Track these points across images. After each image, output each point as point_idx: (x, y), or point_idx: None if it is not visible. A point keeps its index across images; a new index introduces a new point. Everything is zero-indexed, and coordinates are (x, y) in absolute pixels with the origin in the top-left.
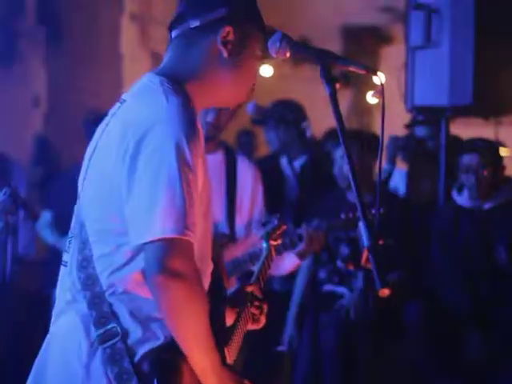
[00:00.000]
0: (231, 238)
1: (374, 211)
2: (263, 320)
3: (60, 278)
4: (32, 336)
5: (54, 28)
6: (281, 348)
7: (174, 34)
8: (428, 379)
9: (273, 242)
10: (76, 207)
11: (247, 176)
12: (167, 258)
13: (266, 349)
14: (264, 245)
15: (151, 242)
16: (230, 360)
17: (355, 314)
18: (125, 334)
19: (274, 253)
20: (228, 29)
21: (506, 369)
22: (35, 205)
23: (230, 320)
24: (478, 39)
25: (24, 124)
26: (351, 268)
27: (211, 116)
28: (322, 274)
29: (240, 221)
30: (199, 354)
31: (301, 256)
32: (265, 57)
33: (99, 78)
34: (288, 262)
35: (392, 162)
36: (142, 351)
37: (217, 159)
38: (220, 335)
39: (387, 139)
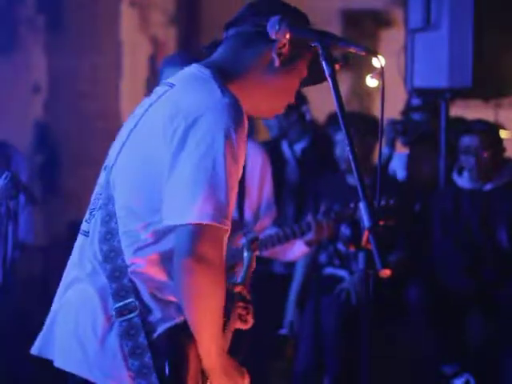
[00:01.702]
0: (240, 222)
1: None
2: (250, 320)
3: (78, 247)
4: (32, 321)
5: (54, 15)
6: (282, 331)
7: (231, 32)
8: (429, 362)
9: (253, 252)
10: (103, 179)
11: (256, 160)
12: (199, 243)
13: (268, 332)
14: (245, 254)
15: (186, 224)
16: None
17: (356, 297)
18: (143, 311)
19: (254, 263)
20: (285, 41)
21: (508, 351)
22: (36, 190)
23: None
24: (478, 21)
25: (24, 111)
26: (352, 249)
27: None
28: (323, 257)
29: (249, 206)
30: (209, 339)
31: (309, 244)
32: (307, 82)
33: (99, 65)
34: (296, 249)
35: (391, 146)
36: (159, 330)
37: None
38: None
39: (386, 123)
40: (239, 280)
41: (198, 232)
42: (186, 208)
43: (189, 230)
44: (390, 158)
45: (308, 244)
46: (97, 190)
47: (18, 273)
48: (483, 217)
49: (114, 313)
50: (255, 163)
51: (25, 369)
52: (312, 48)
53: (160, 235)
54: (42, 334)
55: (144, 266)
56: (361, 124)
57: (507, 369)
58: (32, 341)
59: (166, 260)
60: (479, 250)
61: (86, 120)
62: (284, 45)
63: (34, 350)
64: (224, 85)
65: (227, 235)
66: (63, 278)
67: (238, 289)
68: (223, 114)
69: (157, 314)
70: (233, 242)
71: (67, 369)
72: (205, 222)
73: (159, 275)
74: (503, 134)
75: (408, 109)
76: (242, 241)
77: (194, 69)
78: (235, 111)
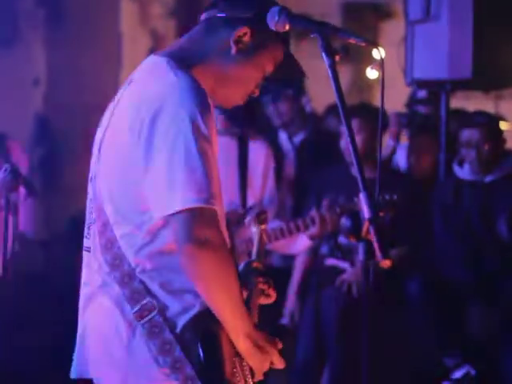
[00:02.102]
0: (244, 215)
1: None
2: (273, 294)
3: (85, 265)
4: (33, 316)
5: (54, 8)
6: (282, 321)
7: (202, 17)
8: (430, 354)
9: (261, 226)
10: (91, 191)
11: (259, 154)
12: (193, 228)
13: (268, 322)
14: (253, 229)
15: (176, 213)
16: None
17: (357, 289)
18: (161, 308)
19: (264, 236)
20: (246, 30)
21: (509, 342)
22: (36, 183)
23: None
24: (478, 13)
25: (24, 104)
26: (353, 240)
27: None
28: (324, 249)
29: (252, 198)
30: (233, 319)
31: (313, 238)
32: (277, 78)
33: (99, 58)
34: (300, 243)
35: (396, 139)
36: (181, 322)
37: (229, 138)
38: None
39: (390, 116)
40: (254, 257)
41: (188, 218)
42: (169, 198)
43: (179, 218)
44: (394, 151)
45: (311, 238)
46: (88, 204)
47: (18, 266)
48: (484, 208)
49: (133, 317)
50: (259, 157)
51: (25, 363)
52: (281, 43)
53: (155, 232)
54: (75, 356)
55: (149, 264)
56: (372, 116)
57: (508, 360)
58: (32, 335)
59: (168, 253)
60: (479, 242)
61: (85, 113)
62: (245, 33)
63: (73, 374)
64: (180, 68)
65: (218, 213)
66: (80, 299)
67: (254, 265)
68: (183, 96)
69: (175, 307)
70: (237, 234)
71: (103, 382)
72: (191, 206)
73: (166, 269)
74: (503, 125)
75: (413, 101)
76: (247, 218)
77: (150, 59)
78: (194, 90)
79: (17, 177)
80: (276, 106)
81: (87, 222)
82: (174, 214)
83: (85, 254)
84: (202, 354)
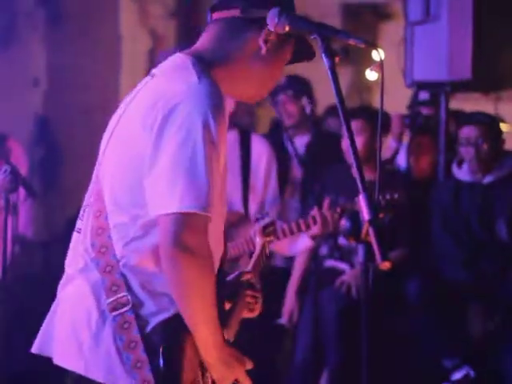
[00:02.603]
0: (245, 216)
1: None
2: (258, 309)
3: (72, 244)
4: (32, 317)
5: (53, 9)
6: (280, 321)
7: (215, 15)
8: (429, 355)
9: (266, 238)
10: (94, 175)
11: (261, 155)
12: (182, 233)
13: (267, 323)
14: (257, 240)
15: (168, 214)
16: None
17: (356, 290)
18: (136, 305)
19: (267, 249)
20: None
21: (508, 344)
22: (36, 184)
23: (227, 305)
24: (477, 14)
25: (23, 105)
26: (352, 242)
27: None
28: (324, 250)
29: (254, 199)
30: (203, 329)
31: (314, 238)
32: (292, 61)
33: (98, 58)
34: (301, 243)
35: (399, 140)
36: (152, 323)
37: (231, 138)
38: (220, 317)
39: (393, 117)
40: (249, 267)
41: (180, 221)
42: (167, 198)
43: (171, 219)
44: (397, 152)
45: (312, 238)
46: (90, 186)
47: (17, 267)
48: (482, 209)
49: (107, 307)
50: (261, 157)
51: (25, 365)
52: (296, 32)
53: (148, 228)
54: (41, 332)
55: (135, 259)
56: (374, 117)
57: (507, 361)
58: (32, 337)
59: (156, 252)
60: (478, 243)
61: (85, 113)
62: (271, 32)
63: (34, 349)
64: (203, 71)
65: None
66: (65, 272)
67: (246, 276)
68: (200, 100)
69: (150, 307)
70: (238, 234)
71: (64, 365)
72: (186, 211)
73: (150, 268)
74: (503, 127)
75: (415, 103)
76: (255, 227)
77: (176, 58)
78: (213, 97)
79: (16, 178)
80: (284, 107)
81: (84, 203)
82: (167, 215)
83: (75, 234)
84: (161, 361)
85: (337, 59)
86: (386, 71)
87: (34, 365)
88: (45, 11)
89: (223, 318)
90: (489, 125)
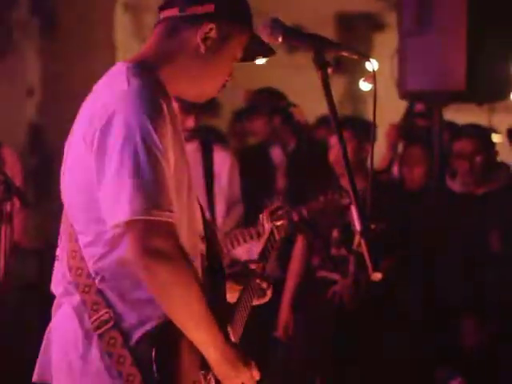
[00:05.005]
0: (212, 223)
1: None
2: (269, 294)
3: (54, 271)
4: (27, 325)
5: (48, 18)
6: (275, 334)
7: (161, 15)
8: (423, 365)
9: (275, 223)
10: (63, 200)
11: (224, 163)
12: (145, 239)
13: (261, 335)
14: (266, 226)
15: (127, 224)
16: (234, 337)
17: (348, 301)
18: (118, 320)
19: (277, 234)
20: (211, 25)
21: (502, 354)
22: (30, 194)
23: (233, 297)
24: (471, 25)
25: (18, 114)
26: (344, 252)
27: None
28: (316, 261)
29: (220, 201)
30: (198, 332)
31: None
32: (245, 59)
33: (93, 68)
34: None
35: (394, 150)
36: (136, 335)
37: (192, 149)
38: (221, 312)
39: (388, 127)
40: (258, 256)
41: (138, 229)
42: (116, 208)
43: (130, 229)
44: (392, 162)
45: None
46: (63, 211)
47: (12, 276)
48: (476, 221)
49: (91, 327)
50: (223, 165)
51: (21, 373)
52: (246, 27)
53: (114, 242)
54: (38, 361)
55: (108, 274)
56: (360, 128)
57: (501, 371)
58: (28, 344)
59: (128, 263)
60: (472, 254)
61: None
62: (210, 30)
63: (34, 378)
64: (139, 74)
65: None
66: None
67: (252, 266)
68: (133, 105)
69: (131, 319)
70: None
71: None
72: (137, 218)
73: (125, 279)
74: (496, 137)
75: (411, 114)
76: (261, 215)
77: (113, 67)
78: (144, 99)
79: (10, 188)
80: (266, 118)
81: (60, 230)
82: (127, 225)
83: (56, 262)
84: (155, 370)
85: (329, 70)
86: (379, 82)
87: (31, 373)
88: (39, 21)
89: (226, 312)
90: (482, 138)
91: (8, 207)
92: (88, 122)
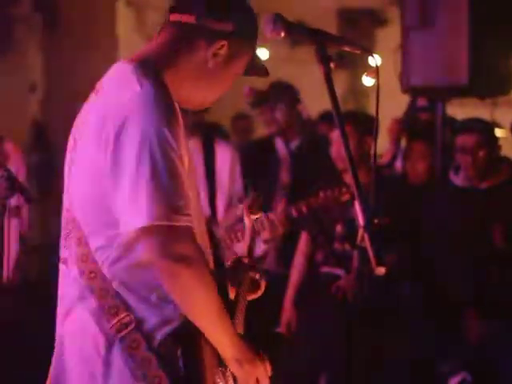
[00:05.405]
0: (213, 219)
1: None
2: (263, 286)
3: (60, 275)
4: (27, 323)
5: (50, 14)
6: (279, 330)
7: (172, 17)
8: (426, 360)
9: (252, 216)
10: (64, 202)
11: (225, 159)
12: (166, 245)
13: (264, 331)
14: (246, 222)
15: (146, 229)
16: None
17: (352, 296)
18: (139, 322)
19: (255, 226)
20: (223, 43)
21: (505, 350)
22: (32, 189)
23: (231, 293)
24: (473, 19)
25: (20, 110)
26: (347, 248)
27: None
28: (319, 256)
29: (221, 198)
30: (216, 332)
31: (266, 242)
32: (246, 73)
33: (95, 65)
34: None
35: (397, 145)
36: (159, 337)
37: (194, 145)
38: (228, 310)
39: (391, 122)
40: (246, 252)
41: (158, 233)
42: (133, 213)
43: (150, 233)
44: (395, 157)
45: (265, 242)
46: (63, 214)
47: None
48: (479, 216)
49: (111, 331)
50: (225, 161)
51: (22, 370)
52: (252, 48)
53: (129, 245)
54: (52, 367)
55: (125, 277)
56: (360, 123)
57: (504, 367)
58: (28, 341)
59: (145, 265)
60: (475, 249)
61: None
62: (222, 47)
63: None
64: (146, 75)
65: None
66: (58, 310)
67: (244, 260)
68: (147, 108)
69: (153, 320)
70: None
71: None
72: (157, 223)
73: (143, 281)
74: (499, 132)
75: (414, 109)
76: (241, 209)
77: (116, 67)
78: (158, 102)
79: (13, 184)
80: (274, 112)
81: (63, 232)
82: (145, 229)
83: (61, 265)
84: (182, 368)
85: (332, 65)
86: (382, 77)
87: (32, 370)
88: (41, 17)
89: (229, 309)
90: (485, 132)
91: (14, 202)
92: (101, 122)
